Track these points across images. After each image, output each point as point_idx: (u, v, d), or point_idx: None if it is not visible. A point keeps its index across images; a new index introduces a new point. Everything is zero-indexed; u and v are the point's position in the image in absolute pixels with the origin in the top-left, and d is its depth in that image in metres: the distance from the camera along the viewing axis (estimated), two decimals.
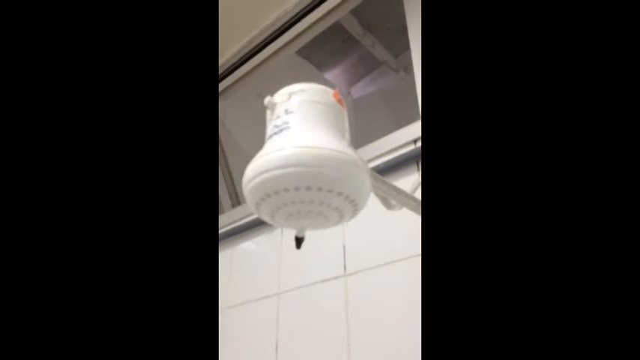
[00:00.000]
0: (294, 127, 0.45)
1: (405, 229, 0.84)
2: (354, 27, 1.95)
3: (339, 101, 0.49)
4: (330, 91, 0.49)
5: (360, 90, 2.47)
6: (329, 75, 2.31)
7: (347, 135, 0.49)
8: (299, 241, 0.51)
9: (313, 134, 0.45)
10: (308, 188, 0.43)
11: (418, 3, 1.08)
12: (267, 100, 0.48)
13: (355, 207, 0.46)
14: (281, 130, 0.46)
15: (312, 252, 1.00)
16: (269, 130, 0.47)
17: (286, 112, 0.47)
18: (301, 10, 1.52)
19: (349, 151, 0.45)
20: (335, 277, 0.94)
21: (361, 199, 0.46)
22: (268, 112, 0.49)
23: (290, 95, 0.48)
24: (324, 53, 2.12)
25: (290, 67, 2.03)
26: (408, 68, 2.23)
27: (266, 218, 0.47)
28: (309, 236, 1.03)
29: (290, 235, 1.08)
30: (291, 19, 1.57)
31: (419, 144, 0.90)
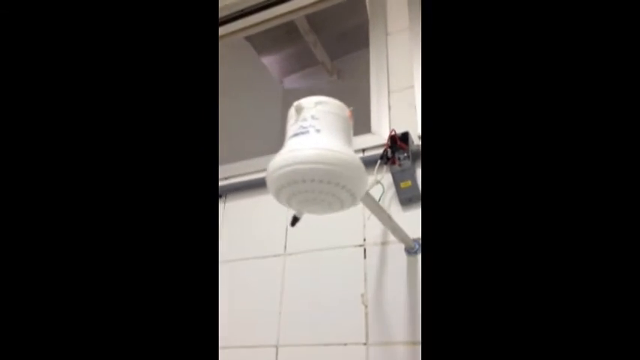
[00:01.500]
0: (317, 131, 0.56)
1: (348, 223, 0.99)
2: (301, 23, 2.04)
3: (350, 117, 0.61)
4: (346, 108, 0.61)
5: (292, 82, 2.57)
6: (266, 60, 2.37)
7: (351, 142, 0.61)
8: (295, 220, 0.62)
9: (332, 140, 0.56)
10: (322, 181, 0.54)
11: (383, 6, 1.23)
12: (297, 103, 0.58)
13: (354, 199, 0.59)
14: (307, 131, 0.56)
15: (256, 229, 1.10)
16: (295, 127, 0.57)
17: (312, 117, 0.57)
18: (259, 4, 1.58)
19: (356, 156, 0.57)
20: (275, 255, 1.05)
21: (360, 193, 0.58)
22: (293, 112, 0.59)
23: (316, 104, 0.58)
24: (266, 39, 2.16)
25: (228, 44, 2.04)
26: (342, 73, 2.41)
27: (282, 201, 0.58)
28: (256, 215, 1.13)
29: (230, 210, 1.16)
30: (247, 8, 1.61)
31: (366, 153, 1.06)
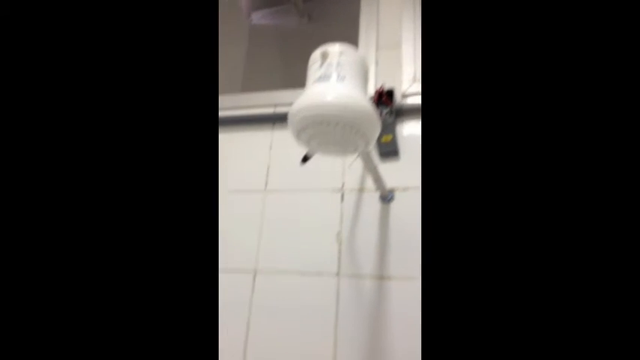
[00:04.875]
0: (342, 78, 0.61)
1: (329, 168, 1.06)
2: None
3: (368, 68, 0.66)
4: (365, 59, 0.65)
5: (260, 18, 2.49)
6: None
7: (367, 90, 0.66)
8: (306, 159, 0.67)
9: (354, 89, 0.61)
10: (345, 127, 0.60)
11: None
12: (324, 49, 0.62)
13: (367, 145, 0.64)
14: (330, 77, 0.60)
15: (238, 166, 1.14)
16: (320, 72, 0.61)
17: (338, 64, 0.61)
18: None
19: (371, 105, 0.63)
20: (256, 191, 1.10)
21: (373, 141, 0.64)
22: (318, 56, 0.63)
23: (341, 53, 0.62)
24: None
25: None
26: (312, 17, 2.37)
27: (302, 141, 0.62)
28: (243, 152, 1.16)
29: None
30: None
31: None
